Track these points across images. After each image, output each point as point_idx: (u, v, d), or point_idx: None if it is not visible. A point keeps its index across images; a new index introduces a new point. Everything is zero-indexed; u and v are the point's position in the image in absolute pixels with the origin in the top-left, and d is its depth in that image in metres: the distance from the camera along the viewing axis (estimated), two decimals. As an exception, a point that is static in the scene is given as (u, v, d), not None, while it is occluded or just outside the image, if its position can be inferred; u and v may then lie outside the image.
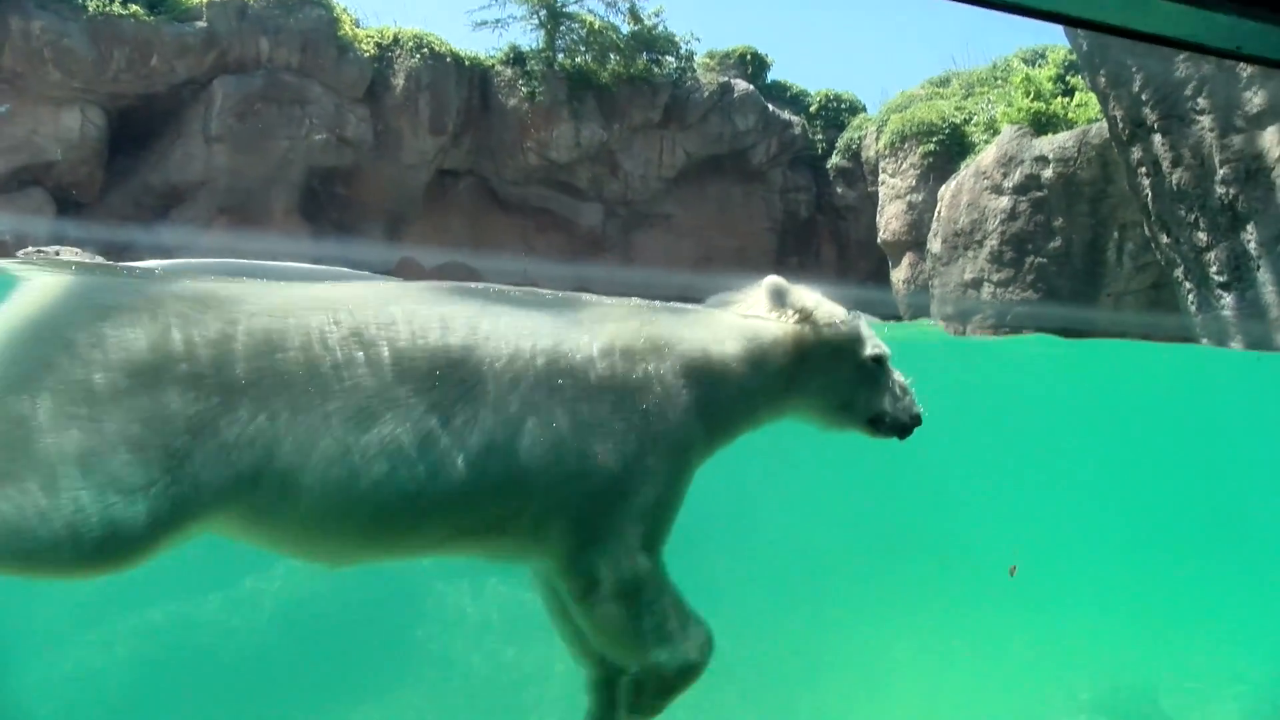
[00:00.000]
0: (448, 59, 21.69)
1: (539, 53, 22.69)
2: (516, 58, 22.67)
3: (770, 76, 25.60)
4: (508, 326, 2.94)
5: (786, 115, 24.92)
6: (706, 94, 23.86)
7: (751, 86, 24.52)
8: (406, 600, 8.09)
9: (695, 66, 24.33)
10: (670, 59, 23.81)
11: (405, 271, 21.04)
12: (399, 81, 21.07)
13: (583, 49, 23.02)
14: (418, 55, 21.15)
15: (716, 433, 3.22)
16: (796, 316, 3.40)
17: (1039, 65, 18.67)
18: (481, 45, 28.23)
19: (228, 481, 2.59)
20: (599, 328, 3.08)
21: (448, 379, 2.78)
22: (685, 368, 3.09)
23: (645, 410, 2.92)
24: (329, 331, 2.74)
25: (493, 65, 22.63)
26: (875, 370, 3.44)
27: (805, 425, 3.61)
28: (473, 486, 2.76)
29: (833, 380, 3.44)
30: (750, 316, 3.40)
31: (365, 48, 20.89)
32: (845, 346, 3.44)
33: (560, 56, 22.84)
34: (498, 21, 23.03)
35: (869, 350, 3.45)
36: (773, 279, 3.46)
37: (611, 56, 22.88)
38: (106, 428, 2.50)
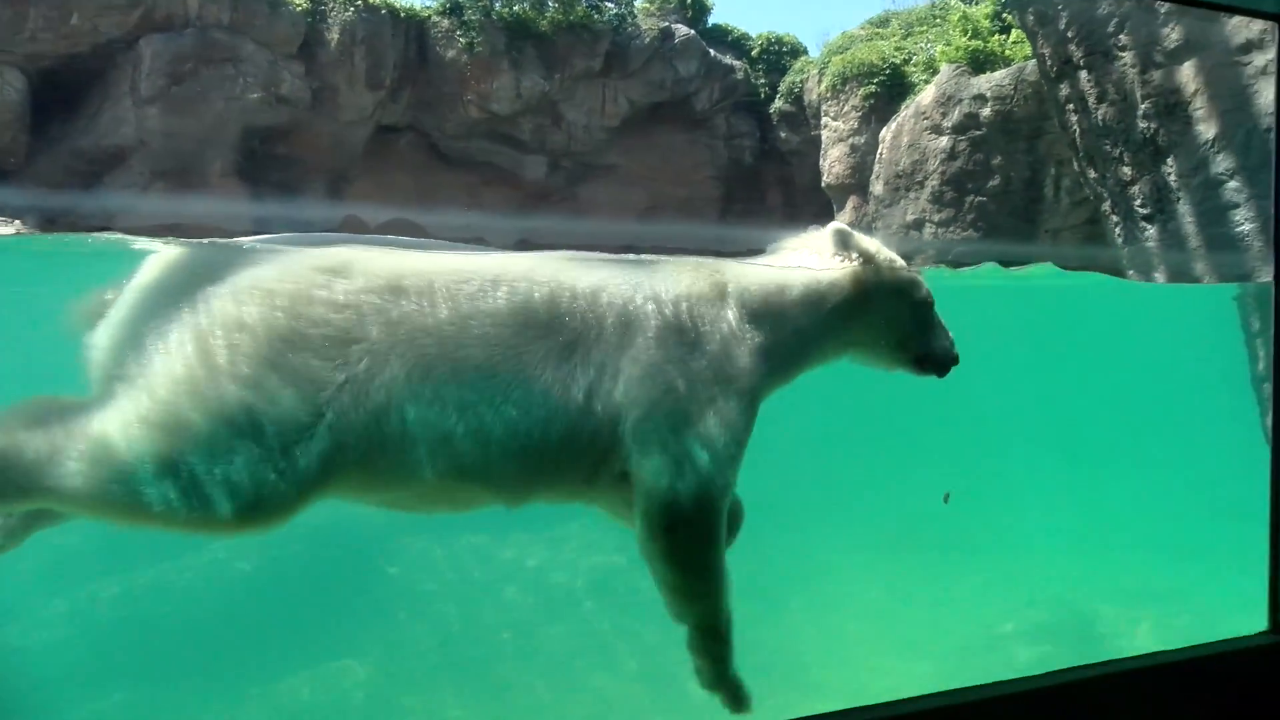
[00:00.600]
0: (382, 11, 21.21)
1: (476, 2, 22.28)
2: (453, 8, 22.23)
3: (710, 20, 25.41)
4: (604, 279, 3.15)
5: (728, 60, 24.79)
6: (647, 40, 23.64)
7: (692, 31, 24.33)
8: (357, 567, 8.15)
9: (635, 12, 24.06)
10: (609, 5, 23.52)
11: (350, 229, 20.78)
12: (333, 36, 20.60)
13: (520, -4, 22.67)
14: (351, 8, 20.66)
15: (779, 373, 3.40)
16: (861, 260, 3.55)
17: (976, 3, 18.73)
18: (417, -4, 27.57)
19: (365, 437, 2.74)
20: (678, 277, 3.27)
21: (563, 329, 2.98)
22: (751, 313, 3.29)
23: (716, 352, 3.11)
24: (456, 288, 2.92)
25: (429, 16, 22.18)
26: (927, 311, 3.64)
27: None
28: (582, 429, 2.95)
29: (890, 320, 3.62)
30: (808, 267, 3.55)
31: (297, 2, 20.37)
32: (904, 288, 3.63)
33: (498, 5, 22.45)
34: (433, -30, 22.56)
35: (923, 292, 3.65)
36: (836, 225, 3.63)
37: (550, 4, 22.54)
38: (256, 391, 2.65)
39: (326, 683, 7.18)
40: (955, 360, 3.69)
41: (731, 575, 3.11)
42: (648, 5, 24.57)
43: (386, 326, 2.81)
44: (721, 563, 3.07)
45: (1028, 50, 15.45)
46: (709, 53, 24.35)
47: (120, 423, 2.61)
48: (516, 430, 2.88)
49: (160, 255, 3.00)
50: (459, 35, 21.92)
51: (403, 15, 21.71)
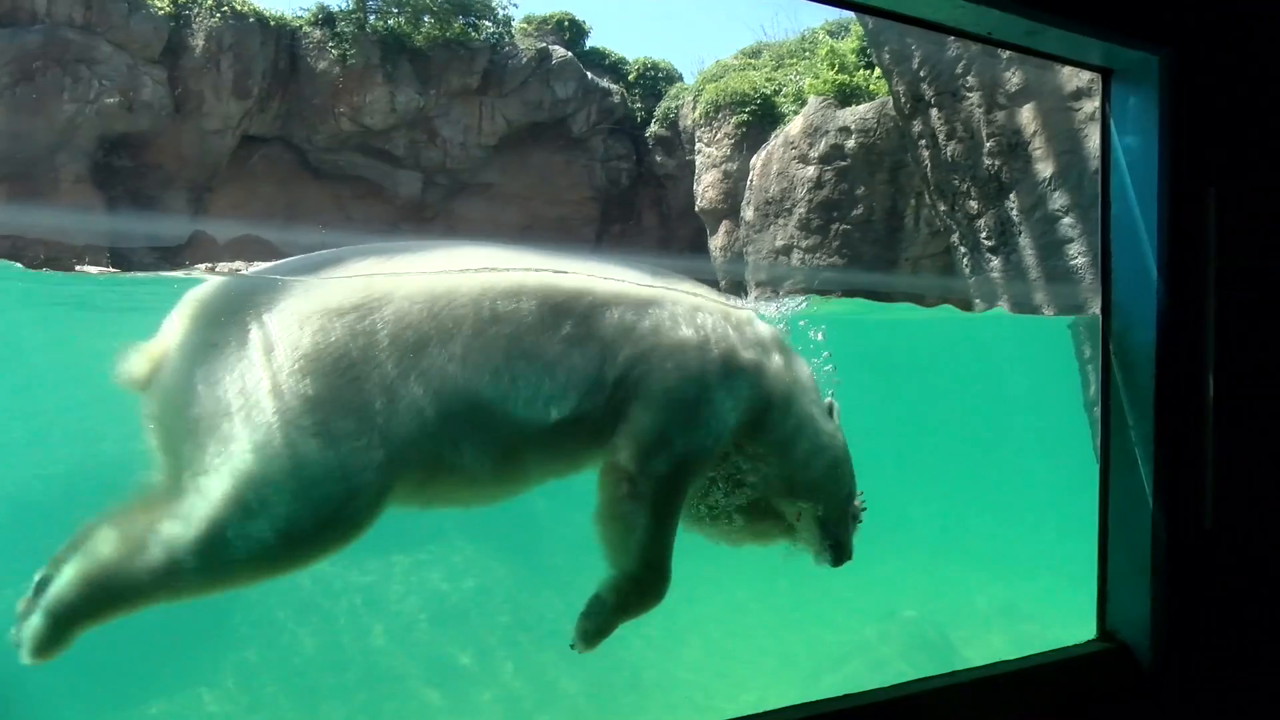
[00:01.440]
0: (251, 19, 20.61)
1: (349, 14, 21.87)
2: (326, 18, 21.78)
3: (588, 43, 25.62)
4: (607, 276, 3.47)
5: (606, 83, 25.03)
6: (525, 60, 23.65)
7: (570, 53, 24.48)
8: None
9: (513, 31, 24.05)
10: (487, 23, 23.44)
11: (199, 246, 20.01)
12: (198, 42, 19.89)
13: (395, 11, 22.33)
14: (218, 14, 20.00)
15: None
16: None
17: (843, 37, 19.45)
18: (288, 5, 26.93)
19: (419, 433, 2.92)
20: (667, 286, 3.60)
21: (577, 321, 3.27)
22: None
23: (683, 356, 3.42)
24: (489, 288, 3.18)
25: (301, 26, 21.67)
26: None
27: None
28: (596, 407, 3.25)
29: None
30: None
31: (159, 4, 19.58)
32: None
33: (372, 18, 22.09)
34: (304, -21, 22.05)
35: None
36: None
37: (425, 19, 22.32)
38: (324, 409, 2.80)
39: (178, 712, 6.86)
40: None
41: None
42: (526, 25, 24.60)
43: (425, 330, 3.03)
44: (658, 536, 3.35)
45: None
46: (587, 75, 24.53)
47: (212, 495, 2.69)
48: (545, 409, 3.16)
49: (192, 301, 3.05)
50: (331, 47, 21.48)
51: (272, 24, 21.14)
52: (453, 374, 3.00)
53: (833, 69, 17.34)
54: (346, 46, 21.45)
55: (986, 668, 2.97)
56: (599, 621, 3.35)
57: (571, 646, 3.39)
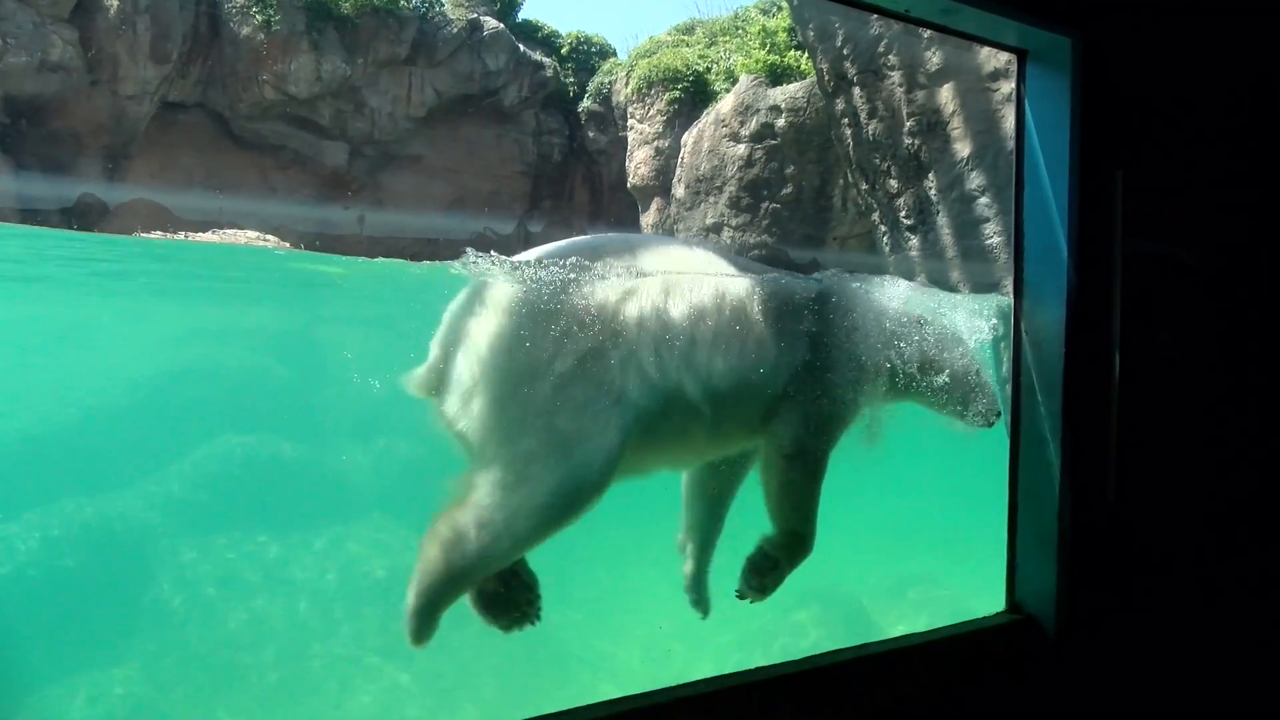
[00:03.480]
0: (168, -22, 19.88)
1: (273, -22, 21.24)
2: (248, -18, 21.11)
3: (520, 15, 25.29)
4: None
5: (538, 56, 24.74)
6: (455, 30, 23.25)
7: (502, 25, 24.13)
8: (127, 572, 7.63)
9: (443, 1, 23.61)
10: (416, -8, 22.97)
11: (87, 207, 19.33)
12: (113, 2, 19.11)
13: (321, -24, 21.76)
14: (132, -27, 19.25)
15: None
16: None
17: (775, 15, 19.49)
18: (208, -34, 25.98)
19: (651, 409, 3.36)
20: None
21: (762, 315, 3.69)
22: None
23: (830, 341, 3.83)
24: (708, 288, 3.62)
25: (222, -11, 20.97)
26: None
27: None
28: (776, 387, 3.67)
29: None
30: None
31: (69, -39, 18.77)
32: None
33: (297, -17, 21.48)
34: (225, -59, 21.31)
35: None
36: None
37: (353, -14, 21.78)
38: (588, 387, 3.27)
39: (93, 692, 6.69)
40: None
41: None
42: (456, -5, 24.19)
43: (661, 321, 3.49)
44: (813, 497, 3.79)
45: (821, 66, 16.23)
46: (518, 48, 24.21)
47: (511, 472, 3.24)
48: (745, 387, 3.61)
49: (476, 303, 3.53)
50: (255, 12, 20.83)
51: (192, -15, 20.45)
52: (706, 359, 3.50)
53: (764, 48, 17.37)
54: (271, 12, 20.82)
55: (896, 640, 3.03)
56: (773, 577, 3.78)
57: (742, 597, 3.86)
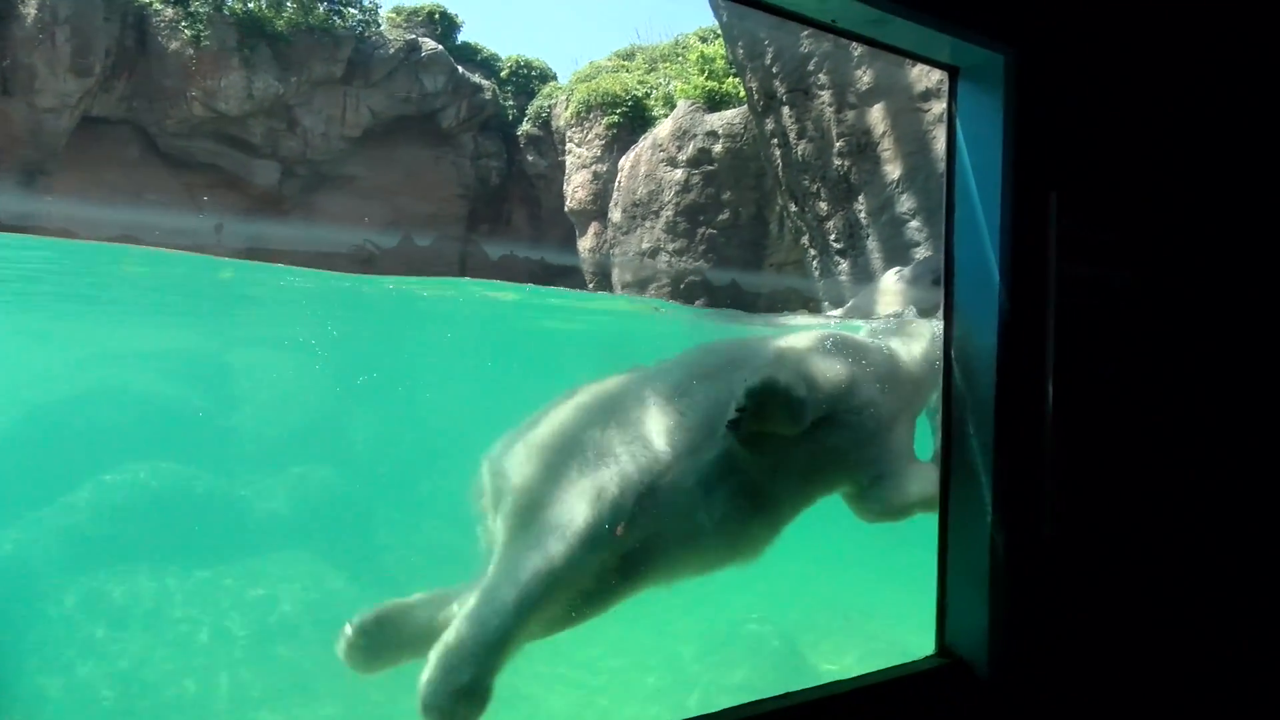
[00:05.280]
0: (91, -10, 19.31)
1: (204, -7, 20.79)
2: (178, -4, 20.63)
3: (460, 38, 25.08)
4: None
5: (477, 79, 24.55)
6: (393, 50, 22.97)
7: (440, 47, 23.90)
8: (17, 608, 7.15)
9: (380, 21, 23.32)
10: (353, 10, 22.63)
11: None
12: (30, 11, 18.48)
13: (255, -8, 21.36)
14: (52, -18, 18.65)
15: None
16: None
17: (714, 42, 19.55)
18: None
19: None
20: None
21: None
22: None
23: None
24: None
25: (151, 3, 20.42)
26: None
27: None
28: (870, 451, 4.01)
29: None
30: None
31: (-14, -32, 18.15)
32: None
33: (230, 0, 21.03)
34: (155, -46, 20.82)
35: None
36: None
37: (288, 3, 21.38)
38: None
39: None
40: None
41: None
42: (394, 16, 23.91)
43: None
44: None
45: (759, 93, 16.26)
46: (457, 69, 24.00)
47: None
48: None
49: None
50: (184, 26, 20.33)
51: (118, -2, 19.89)
52: None
53: (703, 74, 17.38)
54: (201, 27, 20.35)
55: (821, 688, 2.83)
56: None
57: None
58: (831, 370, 3.93)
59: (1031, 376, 3.09)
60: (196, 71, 20.57)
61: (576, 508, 3.43)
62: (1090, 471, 3.21)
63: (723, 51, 18.05)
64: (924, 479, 3.94)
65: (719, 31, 20.18)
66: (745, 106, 15.90)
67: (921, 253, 5.02)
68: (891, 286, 4.68)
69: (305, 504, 8.39)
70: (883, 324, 4.70)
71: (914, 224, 5.07)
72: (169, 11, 20.42)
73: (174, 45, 20.42)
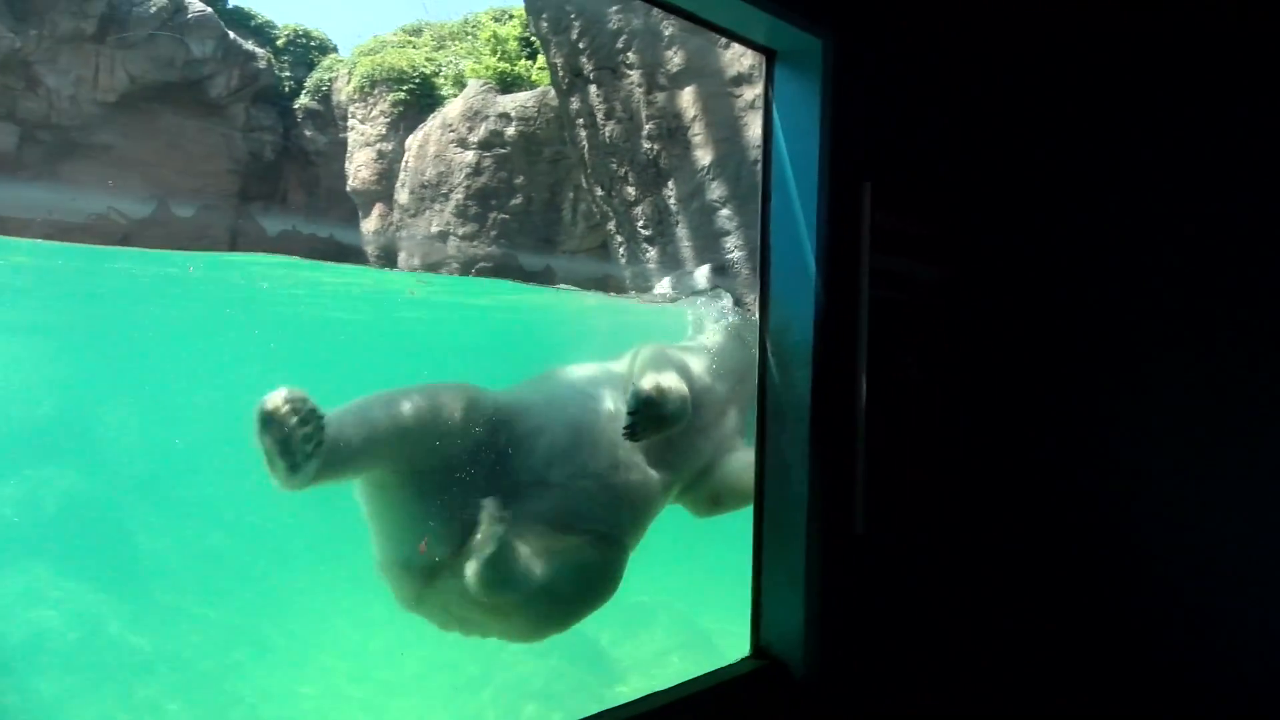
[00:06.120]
0: None
1: (-77, -73, 18.30)
2: (-111, -71, 18.05)
3: (231, 1, 23.39)
4: None
5: (250, 46, 22.96)
6: (154, 10, 21.08)
7: (209, 9, 22.17)
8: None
9: (139, -24, 21.36)
10: (106, -38, 20.61)
11: None
12: None
13: (-14, -68, 19.02)
14: None
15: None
16: None
17: (506, 23, 19.15)
18: None
19: None
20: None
21: None
22: None
23: None
24: None
25: None
26: None
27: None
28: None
29: None
30: None
31: None
32: None
33: (-45, -63, 18.63)
34: None
35: None
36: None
37: (26, -53, 19.21)
38: None
39: None
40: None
41: None
42: (155, -29, 21.96)
43: None
44: None
45: (552, 78, 16.01)
46: (228, 35, 22.35)
47: None
48: None
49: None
50: (-103, -36, 17.84)
51: None
52: None
53: (495, 55, 16.97)
54: (-82, -34, 17.92)
55: (636, 703, 2.66)
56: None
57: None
58: (686, 371, 3.99)
59: (846, 371, 3.05)
60: (-87, 16, 18.12)
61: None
62: (899, 466, 3.22)
63: (516, 32, 17.70)
64: (746, 468, 3.96)
65: (512, 12, 19.79)
66: (539, 90, 15.64)
67: (733, 241, 4.98)
68: (670, 290, 5.13)
69: (44, 512, 7.40)
70: (694, 322, 4.85)
71: (725, 212, 5.02)
72: (-121, -54, 17.87)
73: (-115, -15, 17.91)
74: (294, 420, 3.22)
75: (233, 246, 22.20)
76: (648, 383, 3.76)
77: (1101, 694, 3.03)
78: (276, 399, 3.26)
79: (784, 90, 3.14)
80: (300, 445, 3.21)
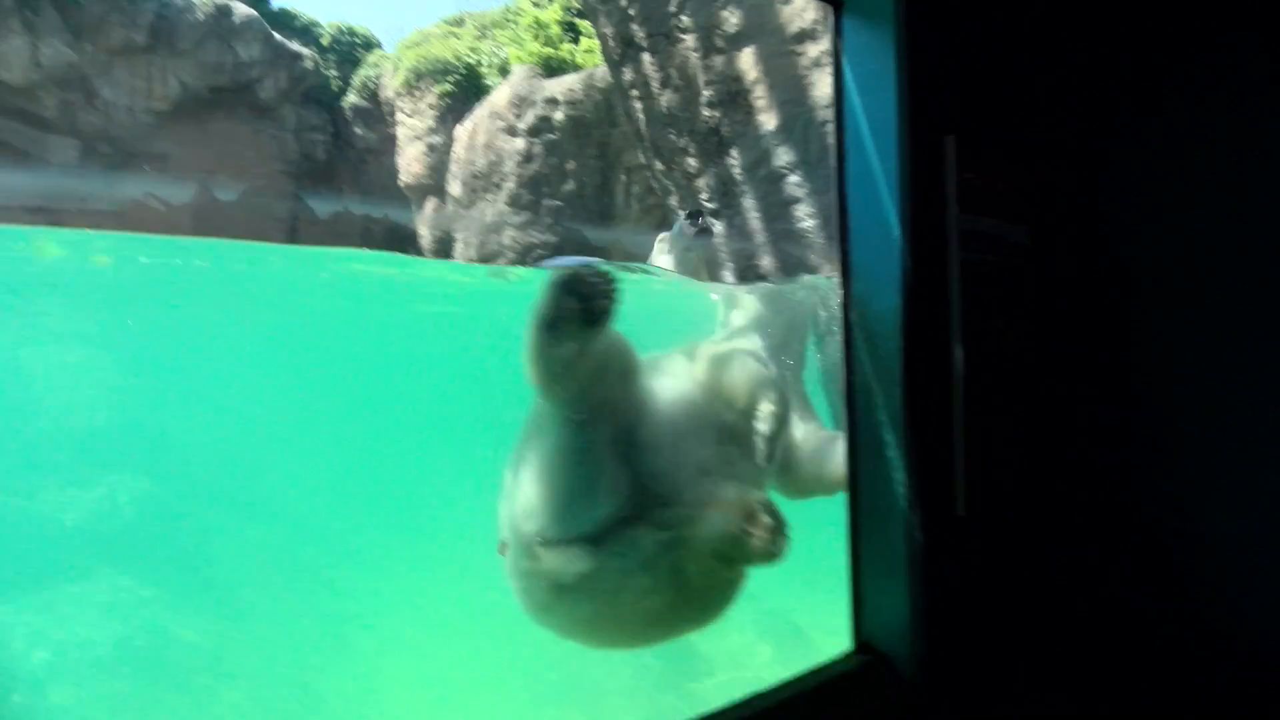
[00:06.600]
0: None
1: (-25, -49, 18.68)
2: (-56, -46, 18.46)
3: (275, 3, 23.59)
4: None
5: (296, 47, 23.13)
6: (201, 16, 21.32)
7: (254, 12, 22.37)
8: None
9: (184, -16, 21.63)
10: (153, -28, 20.90)
11: None
12: None
13: (36, -50, 19.35)
14: None
15: None
16: None
17: (547, 8, 19.00)
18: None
19: None
20: None
21: None
22: None
23: None
24: None
25: (-90, -39, 18.23)
26: None
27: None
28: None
29: None
30: None
31: None
32: None
33: (7, -42, 18.99)
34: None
35: None
36: None
37: (75, -38, 19.54)
38: None
39: None
40: None
41: None
42: (201, -21, 22.24)
43: None
44: None
45: (598, 59, 15.85)
46: (273, 36, 22.53)
47: None
48: None
49: None
50: (-48, -13, 18.26)
51: None
52: None
53: (538, 40, 16.84)
54: (-28, -13, 18.32)
55: (735, 706, 2.49)
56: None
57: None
58: (763, 364, 3.83)
59: (938, 340, 2.83)
60: (-29, 37, 18.54)
61: None
62: (999, 441, 3.00)
63: (557, 16, 17.54)
64: (833, 453, 3.75)
65: (551, -4, 19.65)
66: (585, 72, 15.46)
67: (804, 209, 4.75)
68: (662, 250, 4.67)
69: (119, 520, 7.46)
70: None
71: (793, 178, 4.79)
72: (-65, -29, 18.30)
73: (-58, 8, 18.34)
74: (597, 280, 3.05)
75: (292, 238, 22.37)
76: (765, 409, 3.68)
77: (1244, 688, 2.79)
78: (576, 270, 3.13)
79: (854, 41, 2.93)
80: (600, 301, 3.06)
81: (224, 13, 21.71)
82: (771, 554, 3.02)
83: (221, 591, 7.19)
